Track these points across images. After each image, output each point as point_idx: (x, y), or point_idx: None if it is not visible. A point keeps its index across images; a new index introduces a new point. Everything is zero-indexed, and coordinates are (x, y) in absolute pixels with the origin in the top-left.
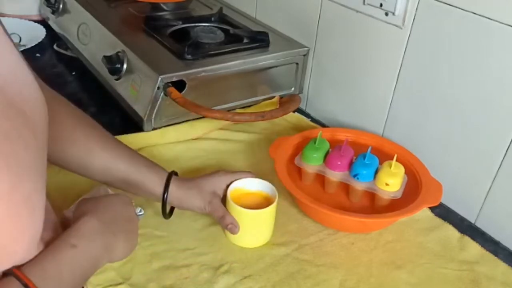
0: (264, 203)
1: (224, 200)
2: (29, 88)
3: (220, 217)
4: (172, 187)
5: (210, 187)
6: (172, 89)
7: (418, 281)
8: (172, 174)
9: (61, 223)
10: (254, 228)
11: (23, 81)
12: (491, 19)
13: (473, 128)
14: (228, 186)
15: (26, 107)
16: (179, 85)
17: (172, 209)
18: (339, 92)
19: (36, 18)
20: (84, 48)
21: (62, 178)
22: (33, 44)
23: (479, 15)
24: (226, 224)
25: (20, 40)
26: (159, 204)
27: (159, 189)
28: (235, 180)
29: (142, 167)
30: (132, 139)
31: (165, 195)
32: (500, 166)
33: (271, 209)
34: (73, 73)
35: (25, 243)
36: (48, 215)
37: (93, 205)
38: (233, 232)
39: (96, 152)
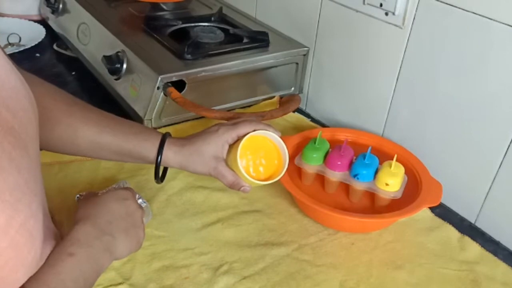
0: (273, 156)
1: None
2: (16, 96)
3: (229, 183)
4: (169, 153)
5: (211, 151)
6: (172, 89)
7: (418, 281)
8: (165, 138)
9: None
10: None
11: (10, 90)
12: (491, 19)
13: (473, 128)
14: (233, 142)
15: (15, 122)
16: (179, 85)
17: (164, 173)
18: (339, 92)
19: (36, 18)
20: (84, 48)
21: (62, 178)
22: (33, 44)
23: (479, 15)
24: (237, 189)
25: (20, 40)
26: (159, 204)
27: (153, 155)
28: (239, 138)
29: (130, 136)
30: None
31: (159, 159)
32: (500, 166)
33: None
34: (73, 73)
35: (26, 268)
36: (48, 223)
37: (89, 209)
38: (246, 192)
39: (80, 129)
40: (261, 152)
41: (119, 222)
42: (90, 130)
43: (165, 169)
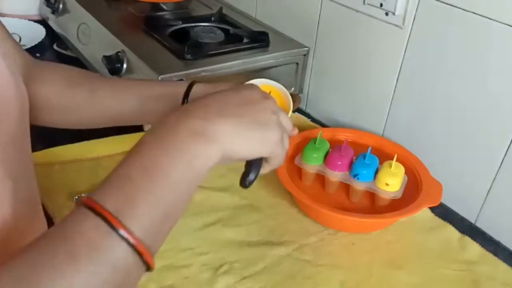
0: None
1: None
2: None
3: None
4: (199, 86)
5: None
6: None
7: (419, 281)
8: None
9: None
10: None
11: None
12: (491, 19)
13: (473, 128)
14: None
15: None
16: None
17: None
18: (339, 92)
19: (36, 18)
20: (84, 48)
21: (62, 178)
22: (33, 44)
23: (479, 15)
24: None
25: (20, 40)
26: None
27: (183, 89)
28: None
29: (157, 84)
30: (132, 139)
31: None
32: (500, 166)
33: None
34: None
35: None
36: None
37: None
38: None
39: (100, 106)
40: None
41: (227, 107)
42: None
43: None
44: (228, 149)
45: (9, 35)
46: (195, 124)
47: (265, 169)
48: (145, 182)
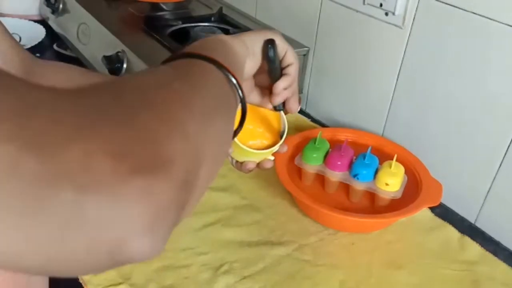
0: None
1: None
2: None
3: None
4: None
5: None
6: None
7: (418, 281)
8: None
9: None
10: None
11: None
12: (491, 19)
13: (473, 128)
14: None
15: None
16: None
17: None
18: (339, 92)
19: (36, 18)
20: (84, 48)
21: None
22: (33, 44)
23: (479, 15)
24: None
25: (20, 40)
26: None
27: None
28: None
29: None
30: None
31: None
32: (500, 166)
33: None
34: None
35: None
36: None
37: None
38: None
39: None
40: (258, 121)
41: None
42: None
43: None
44: None
45: (8, 34)
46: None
47: None
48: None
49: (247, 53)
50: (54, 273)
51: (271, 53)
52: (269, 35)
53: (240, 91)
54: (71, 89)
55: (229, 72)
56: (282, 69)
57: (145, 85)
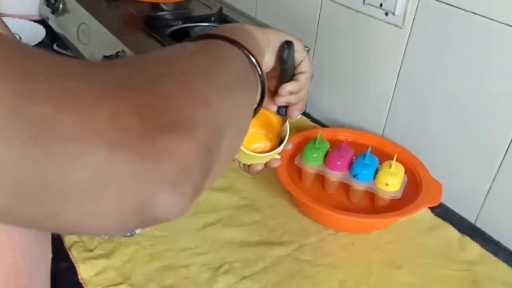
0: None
1: None
2: None
3: None
4: None
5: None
6: None
7: (418, 281)
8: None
9: None
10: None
11: None
12: (491, 19)
13: (473, 128)
14: None
15: None
16: None
17: None
18: (339, 92)
19: (36, 18)
20: (84, 48)
21: None
22: (33, 44)
23: (479, 15)
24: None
25: (20, 40)
26: None
27: None
28: None
29: None
30: None
31: None
32: (500, 166)
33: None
34: None
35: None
36: None
37: None
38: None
39: None
40: (261, 125)
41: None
42: None
43: None
44: None
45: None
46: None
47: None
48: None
49: (268, 46)
50: (84, 230)
51: (285, 54)
52: (289, 38)
53: (260, 70)
54: (99, 61)
55: (250, 52)
56: (294, 74)
57: (168, 57)
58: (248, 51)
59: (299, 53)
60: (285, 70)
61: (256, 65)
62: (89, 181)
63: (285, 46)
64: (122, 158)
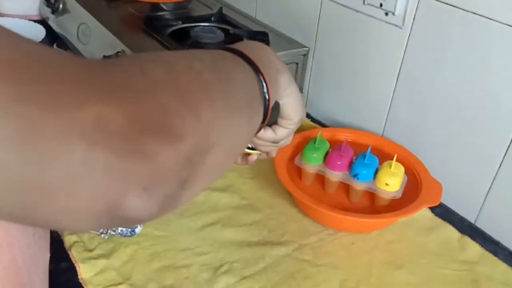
0: None
1: None
2: None
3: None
4: None
5: None
6: None
7: (418, 281)
8: None
9: None
10: None
11: None
12: (491, 19)
13: (473, 128)
14: None
15: None
16: None
17: None
18: (339, 92)
19: (36, 18)
20: (84, 48)
21: None
22: None
23: (479, 15)
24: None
25: None
26: None
27: None
28: None
29: None
30: None
31: None
32: (500, 166)
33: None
34: None
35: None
36: None
37: None
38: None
39: None
40: None
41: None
42: None
43: None
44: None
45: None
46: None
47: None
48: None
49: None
50: (57, 225)
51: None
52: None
53: (268, 100)
54: (100, 60)
55: (265, 80)
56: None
57: (175, 64)
58: (265, 80)
59: (286, 120)
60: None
61: (266, 93)
62: (65, 178)
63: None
64: (99, 156)
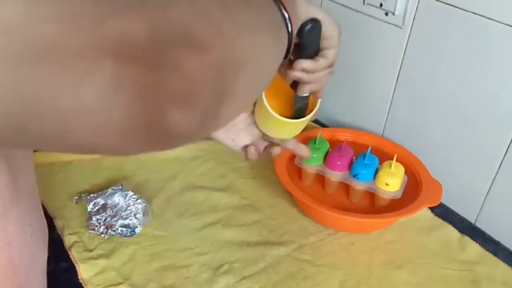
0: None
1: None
2: None
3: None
4: None
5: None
6: None
7: (418, 281)
8: None
9: None
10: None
11: None
12: (491, 19)
13: (473, 128)
14: None
15: None
16: None
17: None
18: (339, 92)
19: None
20: None
21: (62, 178)
22: None
23: (479, 15)
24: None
25: None
26: (159, 204)
27: None
28: None
29: None
30: None
31: None
32: (500, 166)
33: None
34: None
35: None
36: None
37: None
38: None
39: None
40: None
41: None
42: None
43: None
44: None
45: None
46: None
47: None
48: None
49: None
50: (90, 147)
51: (305, 30)
52: (320, 16)
53: (290, 27)
54: None
55: (286, 10)
56: (319, 51)
57: None
58: (285, 8)
59: (328, 39)
60: (303, 46)
61: (288, 21)
62: (98, 96)
63: (309, 23)
64: (129, 70)
